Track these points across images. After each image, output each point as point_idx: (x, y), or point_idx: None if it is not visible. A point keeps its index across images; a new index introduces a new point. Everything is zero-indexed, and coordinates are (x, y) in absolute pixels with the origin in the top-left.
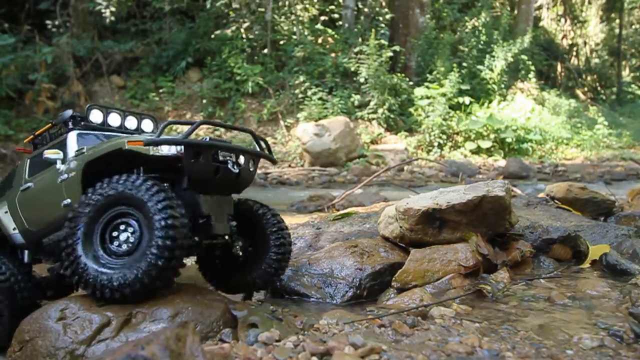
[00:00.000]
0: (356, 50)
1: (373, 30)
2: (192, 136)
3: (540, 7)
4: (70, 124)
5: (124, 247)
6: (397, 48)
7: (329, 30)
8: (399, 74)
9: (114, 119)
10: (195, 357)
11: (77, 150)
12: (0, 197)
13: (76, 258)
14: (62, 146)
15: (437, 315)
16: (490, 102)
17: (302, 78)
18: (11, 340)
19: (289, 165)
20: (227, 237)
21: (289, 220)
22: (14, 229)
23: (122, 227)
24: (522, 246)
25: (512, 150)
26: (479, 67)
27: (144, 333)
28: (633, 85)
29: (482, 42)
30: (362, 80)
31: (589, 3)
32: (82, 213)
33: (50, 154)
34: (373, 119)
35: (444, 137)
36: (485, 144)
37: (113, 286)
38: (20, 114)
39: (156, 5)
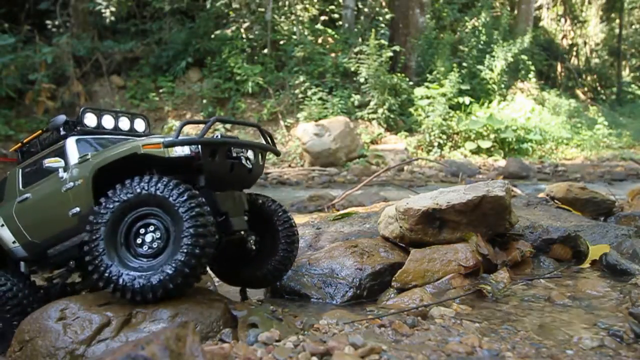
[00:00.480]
0: (356, 50)
1: (373, 30)
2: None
3: (540, 7)
4: (63, 130)
5: (150, 248)
6: (397, 48)
7: (329, 30)
8: (399, 74)
9: (108, 121)
10: (195, 357)
11: (80, 157)
12: None
13: (101, 262)
14: (60, 154)
15: (437, 315)
16: (490, 102)
17: (302, 78)
18: None
19: (289, 165)
20: (242, 233)
21: None
22: (14, 242)
23: (145, 228)
24: (522, 246)
25: (512, 150)
26: (479, 67)
27: (144, 333)
28: (633, 85)
29: (482, 42)
30: (362, 80)
31: (589, 3)
32: (105, 216)
33: (51, 162)
34: (373, 119)
35: (444, 137)
36: (485, 144)
37: (143, 288)
38: (20, 114)
39: (156, 5)
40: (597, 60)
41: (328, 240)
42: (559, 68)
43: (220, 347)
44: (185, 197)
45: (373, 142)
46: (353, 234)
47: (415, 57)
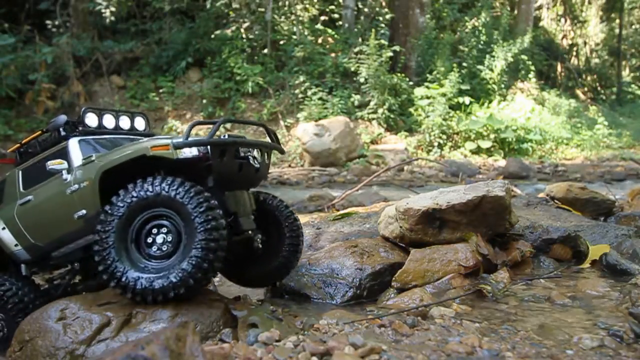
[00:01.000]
0: (356, 50)
1: (373, 30)
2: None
3: (540, 7)
4: (63, 130)
5: (159, 249)
6: (397, 48)
7: (329, 30)
8: (399, 74)
9: (109, 121)
10: (195, 357)
11: (84, 159)
12: None
13: (112, 262)
14: (62, 155)
15: (437, 315)
16: (490, 102)
17: (302, 78)
18: None
19: (289, 165)
20: (250, 232)
21: None
22: (16, 245)
23: (156, 229)
24: (522, 246)
25: (512, 150)
26: (479, 67)
27: (144, 333)
28: (633, 85)
29: (482, 42)
30: (362, 80)
31: (589, 3)
32: (115, 217)
33: (54, 164)
34: (373, 119)
35: (444, 137)
36: (485, 144)
37: (155, 290)
38: (20, 114)
39: (156, 5)
40: (597, 60)
41: (328, 240)
42: (559, 68)
43: (220, 347)
44: (192, 194)
45: (373, 142)
46: (353, 234)
47: (415, 57)
